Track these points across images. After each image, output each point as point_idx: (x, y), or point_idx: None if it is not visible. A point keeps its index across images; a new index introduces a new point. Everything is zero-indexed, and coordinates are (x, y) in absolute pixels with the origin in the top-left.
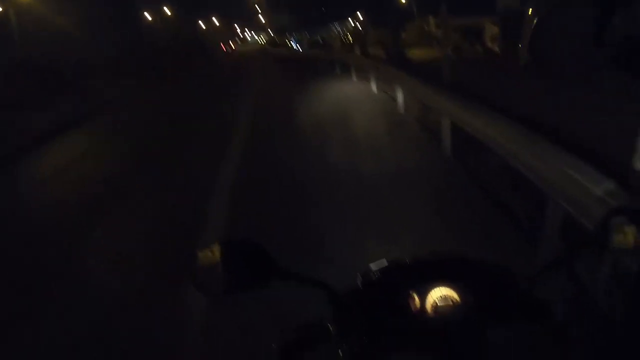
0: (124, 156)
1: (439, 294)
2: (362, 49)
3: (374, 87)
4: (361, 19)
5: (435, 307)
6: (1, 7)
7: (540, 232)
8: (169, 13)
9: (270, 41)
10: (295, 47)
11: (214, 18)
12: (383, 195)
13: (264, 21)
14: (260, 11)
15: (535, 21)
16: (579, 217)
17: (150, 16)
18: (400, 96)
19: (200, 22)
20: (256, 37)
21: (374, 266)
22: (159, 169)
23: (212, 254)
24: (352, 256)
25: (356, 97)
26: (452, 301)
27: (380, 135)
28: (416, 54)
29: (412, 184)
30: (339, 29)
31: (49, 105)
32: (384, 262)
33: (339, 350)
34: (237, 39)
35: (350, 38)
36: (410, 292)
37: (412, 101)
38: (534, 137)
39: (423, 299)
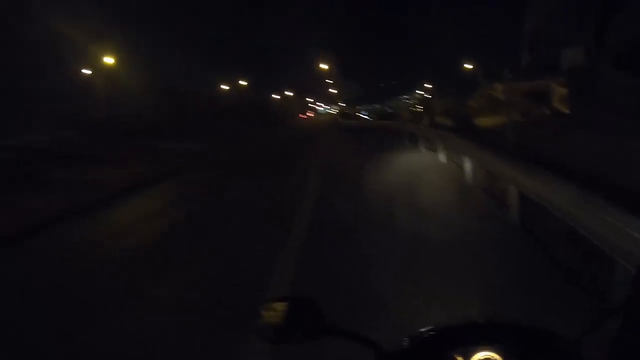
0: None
1: (483, 356)
2: (430, 118)
3: (441, 157)
4: (429, 89)
5: None
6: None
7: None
8: (244, 84)
9: (340, 112)
10: (364, 117)
11: (286, 92)
12: (451, 262)
13: (334, 92)
14: (331, 83)
15: None
16: None
17: (227, 86)
18: (467, 165)
19: (273, 95)
20: (327, 108)
21: (421, 330)
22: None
23: (274, 310)
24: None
25: (424, 167)
26: None
27: (447, 204)
28: (484, 121)
29: (478, 253)
30: (407, 99)
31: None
32: (431, 327)
33: None
34: (308, 109)
35: (419, 108)
36: (455, 355)
37: (480, 169)
38: (597, 201)
39: None
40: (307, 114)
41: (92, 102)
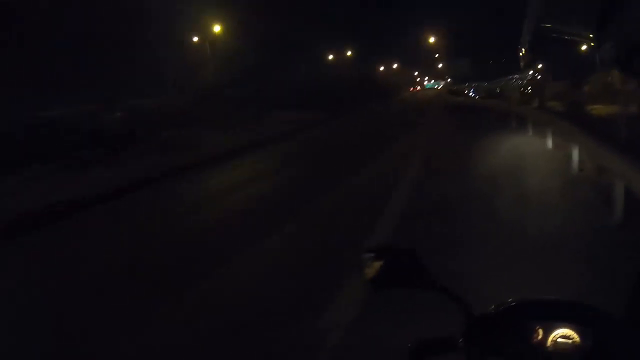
0: None
1: (561, 333)
2: (540, 101)
3: (549, 142)
4: (541, 70)
5: (555, 343)
6: (197, 37)
7: None
8: (350, 54)
9: (448, 88)
10: (471, 95)
11: (394, 64)
12: (541, 254)
13: (442, 68)
14: (439, 59)
15: None
16: None
17: (333, 56)
18: (575, 154)
19: (380, 66)
20: (433, 83)
21: (510, 300)
22: None
23: (378, 257)
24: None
25: (529, 152)
26: (572, 341)
27: (547, 193)
28: (598, 109)
29: (572, 249)
30: (518, 79)
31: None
32: (520, 298)
33: None
34: (416, 84)
35: (529, 90)
36: (537, 326)
37: (587, 160)
38: None
39: (546, 334)
40: (416, 87)
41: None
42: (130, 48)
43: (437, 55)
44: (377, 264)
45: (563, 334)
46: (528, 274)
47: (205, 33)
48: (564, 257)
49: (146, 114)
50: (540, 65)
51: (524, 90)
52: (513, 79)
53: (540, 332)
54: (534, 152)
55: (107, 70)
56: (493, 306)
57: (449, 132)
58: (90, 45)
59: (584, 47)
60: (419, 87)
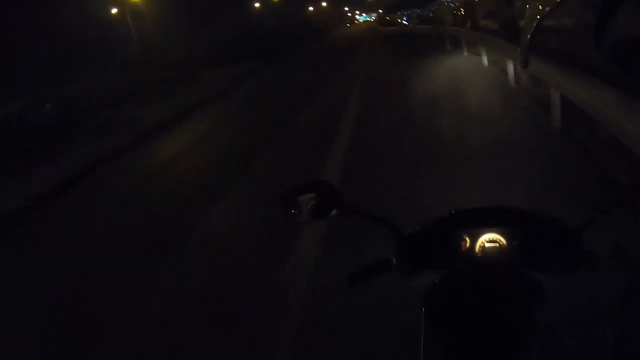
0: None
1: (487, 238)
2: (473, 22)
3: (485, 60)
4: None
5: (483, 248)
6: (116, 9)
7: None
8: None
9: (380, 19)
10: (405, 23)
11: (323, 3)
12: (490, 160)
13: (371, 0)
14: None
15: None
16: None
17: (258, 3)
18: (510, 68)
19: (308, 7)
20: (366, 16)
21: (436, 215)
22: None
23: (295, 191)
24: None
25: (465, 71)
26: (499, 244)
27: (488, 107)
28: None
29: (516, 152)
30: (450, 3)
31: None
32: (445, 212)
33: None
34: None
35: (462, 11)
36: (462, 234)
37: (522, 73)
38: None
39: (473, 241)
40: (356, 21)
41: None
42: (45, 37)
43: None
44: (306, 200)
45: (489, 239)
46: (476, 184)
47: (122, 3)
48: (510, 164)
49: (79, 99)
50: None
51: (457, 12)
52: (445, 2)
53: (467, 239)
54: (471, 70)
55: (27, 62)
56: (418, 224)
57: (386, 60)
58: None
59: None
60: (356, 21)
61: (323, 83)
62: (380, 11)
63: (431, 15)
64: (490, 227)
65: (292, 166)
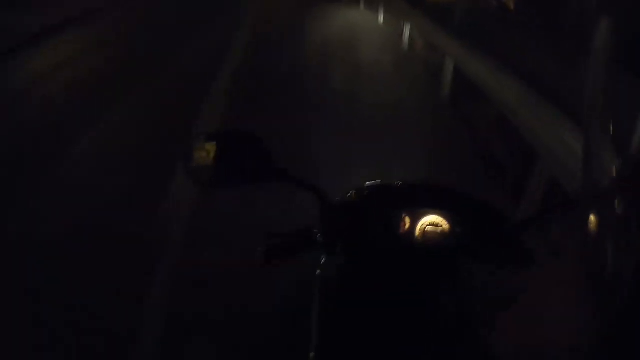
0: None
1: (429, 220)
2: None
3: (381, 18)
4: None
5: (423, 232)
6: None
7: (523, 189)
8: None
9: None
10: None
11: None
12: (372, 125)
13: None
14: None
15: None
16: (563, 179)
17: None
18: (406, 32)
19: None
20: None
21: (369, 183)
22: None
23: (208, 146)
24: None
25: (360, 27)
26: (440, 229)
27: (378, 69)
28: None
29: (402, 119)
30: None
31: None
32: (379, 182)
33: (322, 258)
34: None
35: None
36: (403, 214)
37: (418, 39)
38: (531, 91)
39: (414, 223)
40: None
41: None
42: None
43: None
44: (211, 147)
45: (431, 222)
46: (367, 150)
47: None
48: (402, 130)
49: None
50: None
51: None
52: None
53: (408, 220)
54: (365, 28)
55: None
56: (351, 192)
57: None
58: None
59: None
60: None
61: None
62: None
63: None
64: (433, 209)
65: None
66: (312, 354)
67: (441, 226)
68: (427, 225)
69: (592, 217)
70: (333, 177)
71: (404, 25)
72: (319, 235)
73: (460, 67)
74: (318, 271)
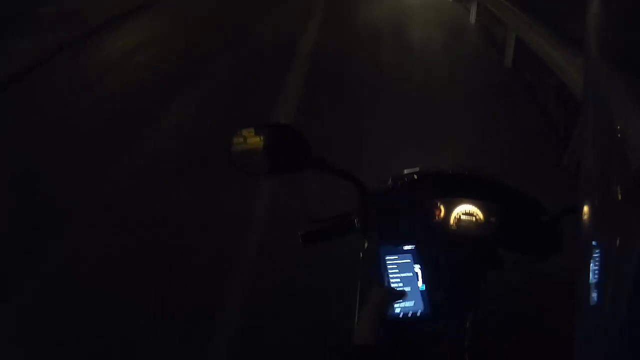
0: None
1: (464, 209)
2: None
3: None
4: None
5: (458, 220)
6: None
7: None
8: None
9: None
10: None
11: None
12: (439, 94)
13: None
14: None
15: None
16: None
17: None
18: (473, 7)
19: None
20: None
21: (407, 171)
22: None
23: (254, 138)
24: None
25: (427, 3)
26: (475, 218)
27: (444, 42)
28: None
29: (465, 87)
30: None
31: None
32: (417, 170)
33: (365, 242)
34: None
35: None
36: (438, 202)
37: (485, 13)
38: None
39: (449, 211)
40: None
41: None
42: None
43: None
44: (257, 139)
45: (465, 211)
46: (434, 120)
47: None
48: (465, 99)
49: None
50: None
51: None
52: None
53: (442, 208)
54: (432, 4)
55: None
56: (389, 180)
57: None
58: None
59: None
60: None
61: None
62: None
63: None
64: (467, 198)
65: None
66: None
67: (476, 215)
68: (461, 214)
69: None
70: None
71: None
72: (356, 221)
73: (523, 39)
74: (361, 254)
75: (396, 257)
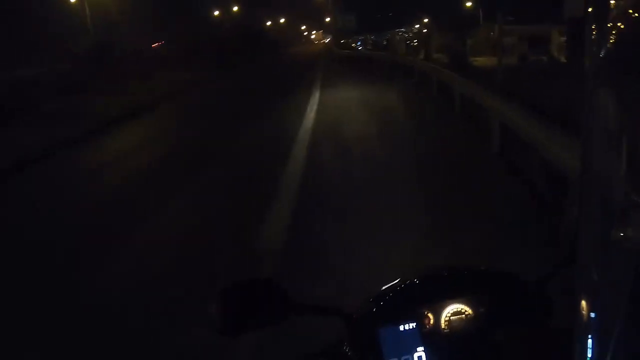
0: None
1: (452, 310)
2: (425, 53)
3: (434, 89)
4: (426, 24)
5: (448, 322)
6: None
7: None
8: (236, 9)
9: (335, 42)
10: (359, 47)
11: (282, 19)
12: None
13: (329, 22)
14: (326, 13)
15: None
16: None
17: (218, 12)
18: (457, 97)
19: (267, 21)
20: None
21: (386, 287)
22: None
23: (225, 299)
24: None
25: (415, 98)
26: (464, 315)
27: (431, 130)
28: (480, 61)
29: (456, 172)
30: (404, 33)
31: None
32: (396, 283)
33: None
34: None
35: (415, 42)
36: (424, 311)
37: (468, 103)
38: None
39: (438, 316)
40: (324, 40)
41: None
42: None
43: (324, 9)
44: (228, 299)
45: (454, 311)
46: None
47: None
48: (449, 178)
49: (26, 84)
50: (426, 20)
51: (410, 42)
52: (399, 32)
53: (431, 316)
54: (420, 98)
55: None
56: (370, 300)
57: (340, 81)
58: None
59: (468, 4)
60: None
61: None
62: (336, 34)
63: (384, 43)
64: (450, 297)
65: None
66: None
67: (465, 312)
68: (450, 315)
69: None
70: None
71: (455, 91)
72: (349, 351)
73: (506, 123)
74: None
75: None
